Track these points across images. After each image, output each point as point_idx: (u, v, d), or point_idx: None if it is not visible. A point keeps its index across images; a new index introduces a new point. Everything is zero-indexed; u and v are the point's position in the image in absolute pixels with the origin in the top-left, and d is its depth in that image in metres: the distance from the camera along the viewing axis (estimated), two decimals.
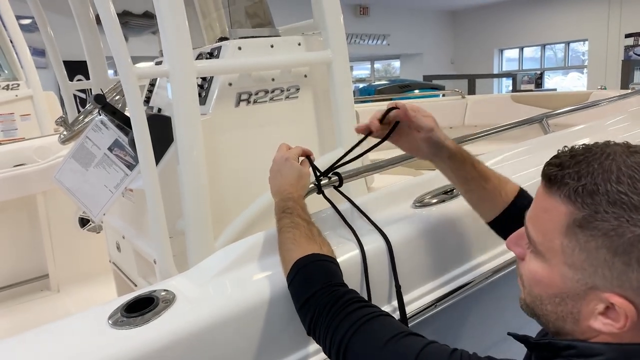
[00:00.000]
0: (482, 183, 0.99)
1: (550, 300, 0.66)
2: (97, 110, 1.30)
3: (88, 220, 2.31)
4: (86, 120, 1.52)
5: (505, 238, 0.99)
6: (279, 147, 1.09)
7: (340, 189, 1.08)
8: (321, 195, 1.05)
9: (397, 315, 0.95)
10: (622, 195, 0.57)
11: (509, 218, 0.97)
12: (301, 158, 1.07)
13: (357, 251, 0.95)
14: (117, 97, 1.40)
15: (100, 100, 1.16)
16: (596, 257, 0.59)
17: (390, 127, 1.00)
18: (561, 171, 0.63)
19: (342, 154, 1.34)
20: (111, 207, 1.30)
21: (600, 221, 0.58)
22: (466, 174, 0.99)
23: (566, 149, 0.66)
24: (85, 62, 1.97)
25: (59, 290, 2.28)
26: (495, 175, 1.01)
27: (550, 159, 0.66)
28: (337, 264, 0.85)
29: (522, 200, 0.99)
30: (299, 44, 1.37)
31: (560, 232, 0.62)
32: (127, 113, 1.24)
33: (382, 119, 0.98)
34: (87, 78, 2.05)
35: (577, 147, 0.65)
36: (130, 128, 1.21)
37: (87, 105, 1.60)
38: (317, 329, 0.77)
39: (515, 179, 1.30)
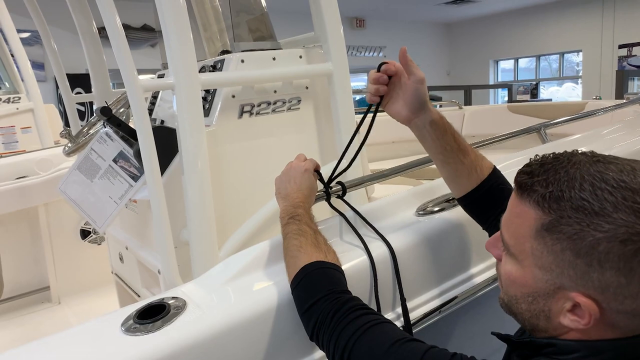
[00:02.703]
0: (460, 156, 1.01)
1: (524, 299, 0.70)
2: (101, 123, 1.32)
3: (89, 232, 2.32)
4: (90, 132, 1.54)
5: (474, 214, 1.05)
6: (297, 156, 1.10)
7: (343, 197, 1.10)
8: (326, 203, 1.07)
9: (401, 322, 0.96)
10: (584, 201, 0.61)
11: (481, 194, 1.01)
12: None
13: (362, 258, 0.97)
14: (121, 110, 1.42)
15: (106, 112, 1.18)
16: (562, 259, 0.63)
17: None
18: (531, 179, 0.67)
19: (345, 163, 1.37)
20: (115, 218, 1.31)
21: (564, 225, 0.62)
22: (446, 145, 1.00)
23: (537, 157, 0.70)
24: (82, 75, 2.00)
25: (59, 302, 2.28)
26: (473, 150, 1.03)
27: (522, 167, 0.70)
28: (341, 272, 0.87)
29: (496, 178, 1.03)
30: (300, 57, 1.40)
31: (530, 235, 0.66)
32: (131, 125, 1.26)
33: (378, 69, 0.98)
34: (86, 91, 2.07)
35: (546, 155, 0.69)
36: (135, 140, 1.23)
37: (92, 118, 1.61)
38: (320, 334, 0.79)
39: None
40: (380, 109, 1.03)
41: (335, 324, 0.76)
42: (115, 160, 1.29)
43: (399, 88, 1.00)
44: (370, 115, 1.04)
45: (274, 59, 1.36)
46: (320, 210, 1.09)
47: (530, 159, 0.71)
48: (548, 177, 0.65)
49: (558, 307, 0.66)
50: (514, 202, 0.70)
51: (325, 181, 1.11)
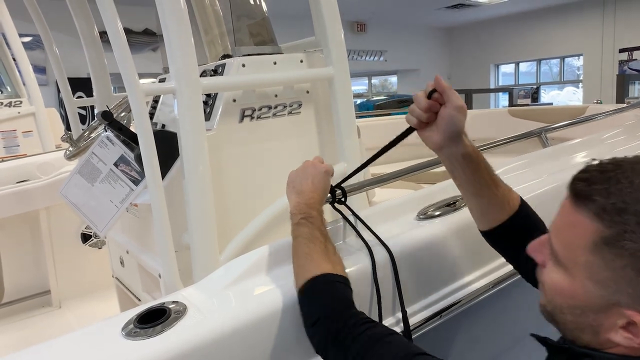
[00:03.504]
0: (493, 189, 0.95)
1: (570, 310, 0.66)
2: (102, 127, 1.32)
3: (90, 236, 2.32)
4: (92, 136, 1.54)
5: (503, 248, 1.00)
6: (316, 157, 1.10)
7: (345, 202, 1.10)
8: (328, 206, 1.08)
9: (400, 327, 0.96)
10: None
11: (514, 226, 0.95)
12: None
13: (363, 264, 0.97)
14: (122, 114, 1.42)
15: (107, 116, 1.19)
16: (622, 275, 0.60)
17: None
18: (589, 187, 0.63)
19: (344, 168, 1.38)
20: (116, 222, 1.31)
21: (628, 241, 0.58)
22: (479, 178, 0.94)
23: (594, 162, 0.66)
24: (84, 78, 2.01)
25: (60, 306, 2.28)
26: (502, 182, 0.98)
27: (578, 173, 0.66)
28: (348, 285, 0.85)
29: (526, 209, 0.98)
30: (301, 61, 1.40)
31: (585, 248, 0.62)
32: (132, 129, 1.27)
33: (429, 96, 0.91)
34: (87, 95, 2.07)
35: (605, 161, 0.65)
36: (136, 144, 1.23)
37: (93, 122, 1.62)
38: (328, 349, 0.77)
39: (517, 192, 1.33)
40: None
41: (342, 340, 0.75)
42: (116, 164, 1.30)
43: (435, 111, 0.93)
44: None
45: (275, 63, 1.36)
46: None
47: (587, 164, 0.66)
48: (609, 187, 0.61)
49: (610, 323, 0.63)
50: (567, 210, 0.66)
51: (340, 183, 1.12)
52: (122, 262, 1.65)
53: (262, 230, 1.29)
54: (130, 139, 1.24)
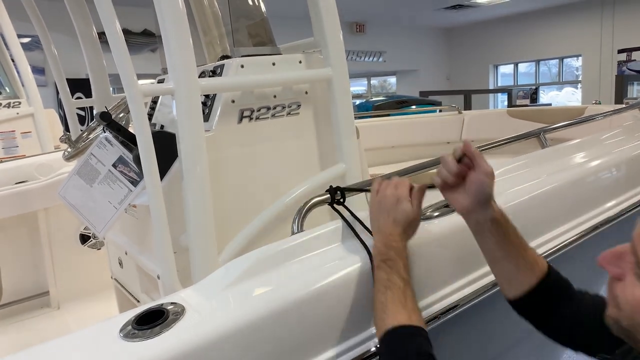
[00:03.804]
0: (521, 251, 0.94)
1: None
2: (101, 128, 1.32)
3: (89, 237, 2.32)
4: (90, 137, 1.54)
5: (532, 316, 0.96)
6: (389, 183, 1.02)
7: (344, 202, 1.10)
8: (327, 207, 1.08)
9: None
10: None
11: (545, 291, 0.93)
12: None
13: (361, 264, 0.97)
14: (121, 115, 1.42)
15: (105, 117, 1.18)
16: None
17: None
18: None
19: (343, 169, 1.38)
20: (115, 223, 1.31)
21: None
22: (508, 241, 0.93)
23: None
24: (82, 79, 2.00)
25: (59, 307, 2.28)
26: (529, 245, 0.96)
27: None
28: (424, 334, 0.83)
29: (555, 271, 0.96)
30: (300, 62, 1.40)
31: None
32: (131, 130, 1.26)
33: (459, 160, 0.93)
34: (86, 96, 2.07)
35: None
36: (135, 145, 1.23)
37: (91, 123, 1.62)
38: None
39: (516, 192, 1.32)
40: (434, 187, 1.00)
41: None
42: (114, 165, 1.29)
43: (464, 175, 0.94)
44: None
45: (273, 64, 1.36)
46: (322, 214, 1.09)
47: None
48: None
49: None
50: None
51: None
52: (120, 263, 1.64)
53: (261, 231, 1.29)
54: (128, 140, 1.24)
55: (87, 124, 1.88)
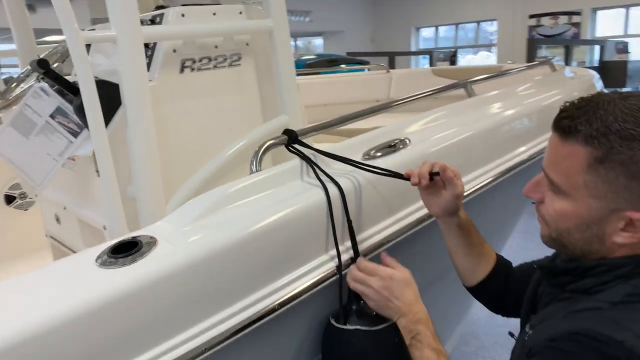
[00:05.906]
0: (480, 248, 1.13)
1: (577, 229, 0.78)
2: (34, 78, 1.27)
3: (14, 198, 2.21)
4: (20, 87, 1.47)
5: (487, 301, 1.17)
6: (375, 267, 1.01)
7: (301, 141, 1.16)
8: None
9: (350, 254, 1.08)
10: (630, 130, 0.71)
11: (497, 276, 1.12)
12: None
13: (319, 198, 1.06)
14: (55, 64, 1.37)
15: (43, 65, 1.14)
16: (616, 184, 0.73)
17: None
18: (573, 121, 0.75)
19: (285, 121, 1.42)
20: (55, 176, 1.29)
21: (616, 154, 0.71)
22: (470, 241, 1.11)
23: (567, 104, 0.79)
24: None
25: None
26: (484, 240, 1.15)
27: (559, 114, 0.78)
28: None
29: (503, 258, 1.17)
30: (240, 13, 1.41)
31: (582, 171, 0.74)
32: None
33: (431, 178, 1.05)
34: None
35: (576, 101, 0.78)
36: (74, 94, 1.21)
37: (20, 73, 1.54)
38: None
39: (440, 138, 1.44)
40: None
41: None
42: (52, 116, 1.26)
43: (439, 188, 1.06)
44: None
45: (214, 14, 1.36)
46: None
47: (560, 107, 0.79)
48: (589, 117, 0.74)
49: (612, 229, 0.75)
50: (557, 145, 0.78)
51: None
52: (57, 220, 1.61)
53: (205, 183, 1.31)
54: (67, 90, 1.21)
55: None
